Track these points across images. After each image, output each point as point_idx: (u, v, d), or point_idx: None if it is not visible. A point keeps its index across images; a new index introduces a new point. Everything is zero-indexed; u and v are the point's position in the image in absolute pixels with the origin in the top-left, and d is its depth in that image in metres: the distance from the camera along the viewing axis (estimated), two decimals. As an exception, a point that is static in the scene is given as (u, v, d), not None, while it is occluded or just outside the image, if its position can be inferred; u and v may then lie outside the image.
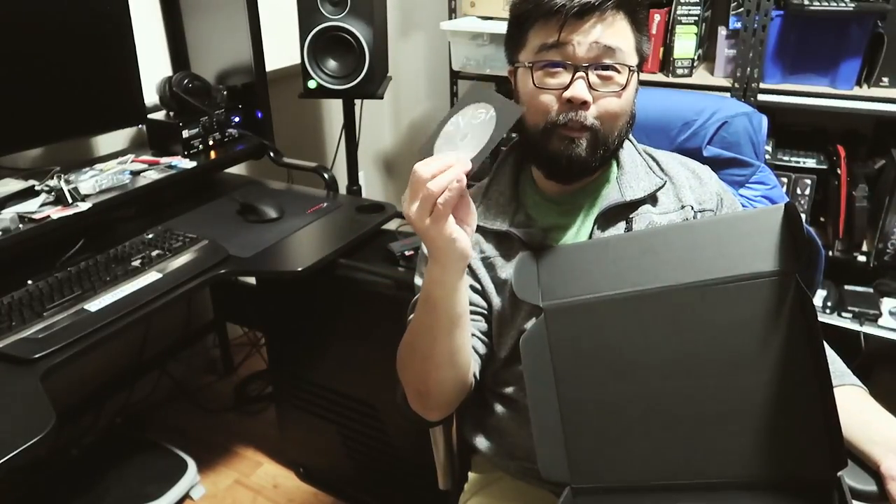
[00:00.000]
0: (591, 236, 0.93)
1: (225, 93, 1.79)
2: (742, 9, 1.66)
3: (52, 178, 1.44)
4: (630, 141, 0.99)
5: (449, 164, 0.72)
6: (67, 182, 1.43)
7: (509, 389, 0.96)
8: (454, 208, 0.72)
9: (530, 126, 0.90)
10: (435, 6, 2.44)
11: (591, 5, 0.83)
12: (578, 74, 0.84)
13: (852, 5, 1.52)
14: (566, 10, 0.83)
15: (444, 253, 0.75)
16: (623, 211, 0.93)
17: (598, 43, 0.84)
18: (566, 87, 0.85)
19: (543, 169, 0.95)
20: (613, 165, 0.97)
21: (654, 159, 0.99)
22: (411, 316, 0.98)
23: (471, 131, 0.76)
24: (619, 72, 0.86)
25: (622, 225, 0.92)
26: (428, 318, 0.82)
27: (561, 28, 0.84)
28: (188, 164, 1.65)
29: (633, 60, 0.87)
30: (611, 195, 0.94)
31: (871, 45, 1.60)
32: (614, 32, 0.85)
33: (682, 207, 0.93)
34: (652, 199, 0.94)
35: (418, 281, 1.01)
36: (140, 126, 1.76)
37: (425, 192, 0.71)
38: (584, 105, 0.85)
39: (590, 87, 0.85)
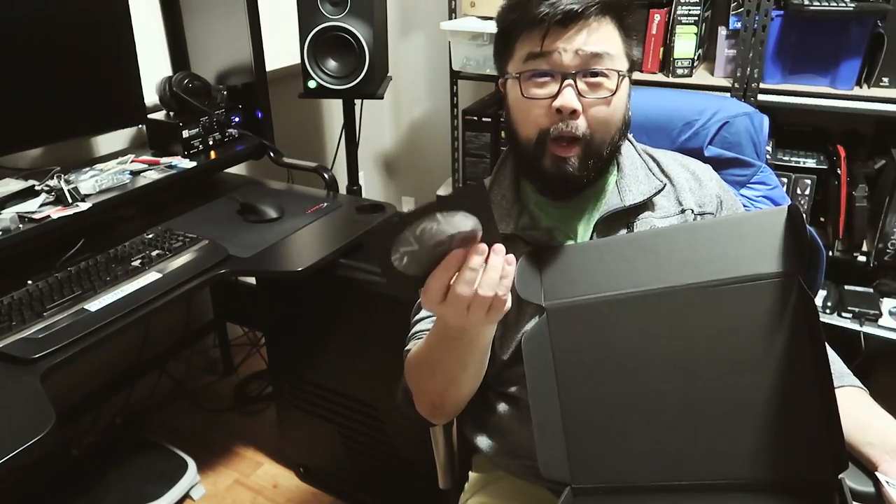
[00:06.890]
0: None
1: (225, 93, 1.79)
2: (742, 9, 1.66)
3: (52, 178, 1.44)
4: (630, 142, 0.99)
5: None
6: (67, 182, 1.43)
7: (513, 388, 0.96)
8: None
9: (523, 140, 0.89)
10: (435, 6, 2.44)
11: (575, 12, 0.82)
12: (566, 83, 0.83)
13: (852, 5, 1.52)
14: (549, 18, 0.82)
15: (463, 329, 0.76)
16: (624, 216, 0.92)
17: (583, 50, 0.83)
18: (555, 97, 0.84)
19: (536, 185, 0.95)
20: (613, 169, 0.96)
21: (654, 160, 0.98)
22: (416, 317, 0.98)
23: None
24: (607, 77, 0.85)
25: (623, 231, 0.92)
26: (439, 352, 0.83)
27: (544, 36, 0.83)
28: (188, 164, 1.65)
29: (623, 65, 0.87)
30: (611, 201, 0.94)
31: (871, 45, 1.60)
32: (600, 38, 0.84)
33: (683, 211, 0.93)
34: (652, 203, 0.93)
35: None
36: (140, 126, 1.76)
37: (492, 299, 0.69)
38: (573, 114, 0.84)
39: (579, 94, 0.84)
